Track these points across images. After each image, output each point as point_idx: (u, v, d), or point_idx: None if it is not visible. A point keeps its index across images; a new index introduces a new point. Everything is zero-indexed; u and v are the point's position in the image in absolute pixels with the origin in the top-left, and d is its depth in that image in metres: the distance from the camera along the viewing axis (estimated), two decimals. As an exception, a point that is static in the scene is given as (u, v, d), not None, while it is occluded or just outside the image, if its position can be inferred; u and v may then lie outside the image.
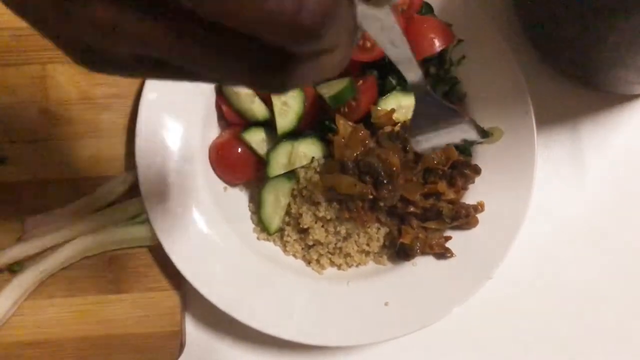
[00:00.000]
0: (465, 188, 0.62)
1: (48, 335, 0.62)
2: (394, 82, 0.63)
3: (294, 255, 0.66)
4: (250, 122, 0.65)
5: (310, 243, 0.64)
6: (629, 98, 0.72)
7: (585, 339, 0.68)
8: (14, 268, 0.61)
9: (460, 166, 0.61)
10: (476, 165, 0.62)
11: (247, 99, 0.64)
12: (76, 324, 0.63)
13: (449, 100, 0.64)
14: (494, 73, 0.65)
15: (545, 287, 0.68)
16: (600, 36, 0.58)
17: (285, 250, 0.66)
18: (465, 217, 0.60)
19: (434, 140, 0.44)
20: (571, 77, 0.70)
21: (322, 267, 0.65)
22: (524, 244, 0.65)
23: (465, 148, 0.64)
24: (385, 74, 0.64)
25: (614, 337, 0.68)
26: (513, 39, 0.70)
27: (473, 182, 0.62)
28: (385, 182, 0.58)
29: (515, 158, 0.63)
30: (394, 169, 0.58)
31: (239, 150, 0.65)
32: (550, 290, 0.68)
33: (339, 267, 0.65)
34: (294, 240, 0.65)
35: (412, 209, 0.62)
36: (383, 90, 0.64)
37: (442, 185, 0.60)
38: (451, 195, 0.62)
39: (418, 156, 0.61)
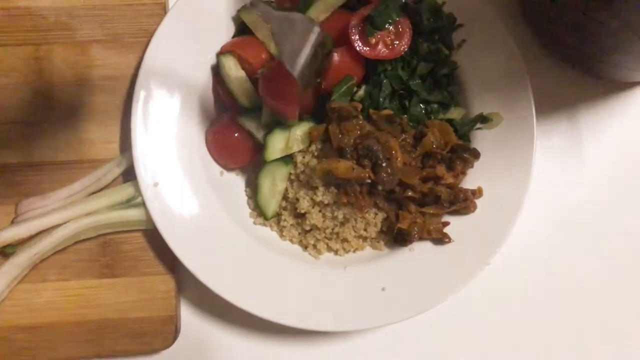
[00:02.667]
0: (464, 173, 0.62)
1: (42, 319, 0.62)
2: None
3: (291, 241, 0.65)
4: (246, 106, 0.64)
5: (307, 228, 0.63)
6: (627, 86, 0.72)
7: (580, 324, 0.68)
8: (7, 251, 0.60)
9: (459, 150, 0.60)
10: (475, 149, 0.62)
11: (243, 82, 0.63)
12: (70, 308, 0.62)
13: (448, 83, 0.64)
14: (494, 59, 0.64)
15: (542, 274, 0.68)
16: (601, 22, 0.58)
17: (281, 236, 0.65)
18: (463, 201, 0.59)
19: (303, 57, 0.48)
20: (571, 64, 0.70)
21: (319, 252, 0.64)
22: (521, 230, 0.65)
23: (464, 133, 0.64)
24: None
25: (609, 322, 0.68)
26: (513, 26, 0.69)
27: (472, 166, 0.62)
28: (384, 164, 0.57)
29: (514, 144, 0.62)
30: (393, 151, 0.57)
31: (236, 134, 0.64)
32: (547, 277, 0.68)
33: (336, 252, 0.64)
34: (291, 225, 0.64)
35: (410, 193, 0.61)
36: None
37: (440, 169, 0.60)
38: (450, 179, 0.61)
39: (417, 140, 0.60)
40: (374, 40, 0.61)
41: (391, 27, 0.62)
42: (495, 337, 0.67)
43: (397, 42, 0.61)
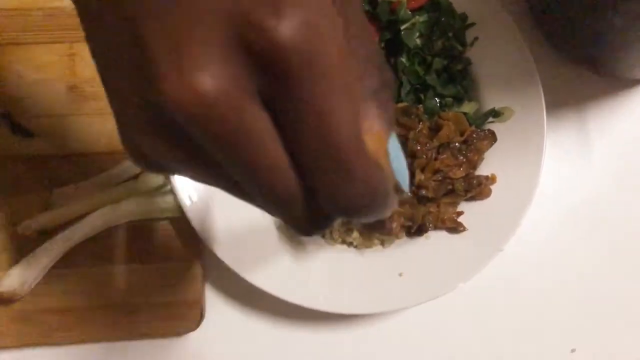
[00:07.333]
0: (480, 159, 0.64)
1: (73, 303, 0.64)
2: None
3: None
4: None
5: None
6: (634, 83, 0.75)
7: (588, 319, 0.70)
8: (43, 236, 0.63)
9: (475, 137, 0.63)
10: (491, 130, 0.65)
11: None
12: (100, 292, 0.65)
13: (462, 78, 0.67)
14: (505, 56, 0.67)
15: (551, 267, 0.71)
16: (606, 20, 0.61)
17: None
18: (478, 187, 0.62)
19: None
20: (579, 62, 0.73)
21: (336, 241, 0.67)
22: (531, 224, 0.68)
23: (477, 127, 0.67)
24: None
25: (618, 319, 0.70)
26: (523, 25, 0.72)
27: (491, 145, 0.65)
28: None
29: (525, 136, 0.65)
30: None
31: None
32: (554, 270, 0.71)
33: (350, 244, 0.67)
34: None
35: (423, 192, 0.64)
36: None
37: (456, 171, 0.63)
38: (461, 174, 0.64)
39: (432, 131, 0.63)
40: None
41: None
42: (506, 323, 0.69)
43: None
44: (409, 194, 0.32)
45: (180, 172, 0.26)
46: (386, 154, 0.24)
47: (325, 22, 0.20)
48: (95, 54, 0.24)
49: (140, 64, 0.20)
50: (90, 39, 0.24)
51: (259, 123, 0.21)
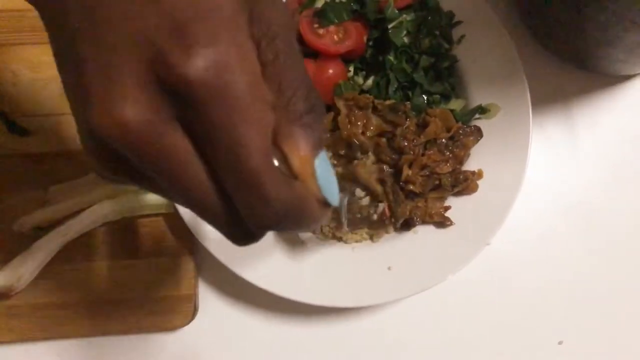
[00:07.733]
0: (467, 154, 0.65)
1: (67, 298, 0.66)
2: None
3: None
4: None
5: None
6: (619, 79, 0.76)
7: (576, 312, 0.71)
8: (38, 233, 0.64)
9: (462, 133, 0.64)
10: (477, 126, 0.66)
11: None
12: (95, 287, 0.66)
13: (449, 75, 0.68)
14: (491, 53, 0.68)
15: (538, 261, 0.72)
16: (591, 16, 0.62)
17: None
18: (464, 182, 0.63)
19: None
20: (565, 58, 0.74)
21: (326, 236, 0.68)
22: (518, 220, 0.69)
23: (464, 123, 0.68)
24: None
25: (606, 312, 0.71)
26: (509, 22, 0.74)
27: (477, 141, 0.66)
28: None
29: (511, 131, 0.66)
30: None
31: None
32: (543, 264, 0.72)
33: (340, 239, 0.68)
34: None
35: (411, 187, 0.65)
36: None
37: (442, 167, 0.64)
38: (448, 169, 0.65)
39: (419, 127, 0.65)
40: (321, 32, 0.65)
41: (341, 26, 0.66)
42: (496, 316, 0.70)
43: (344, 41, 0.66)
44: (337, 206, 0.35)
45: (135, 185, 0.28)
46: (313, 172, 0.26)
47: (236, 59, 0.23)
48: (61, 77, 0.28)
49: (78, 92, 0.25)
50: (54, 55, 0.28)
51: (179, 146, 0.24)
